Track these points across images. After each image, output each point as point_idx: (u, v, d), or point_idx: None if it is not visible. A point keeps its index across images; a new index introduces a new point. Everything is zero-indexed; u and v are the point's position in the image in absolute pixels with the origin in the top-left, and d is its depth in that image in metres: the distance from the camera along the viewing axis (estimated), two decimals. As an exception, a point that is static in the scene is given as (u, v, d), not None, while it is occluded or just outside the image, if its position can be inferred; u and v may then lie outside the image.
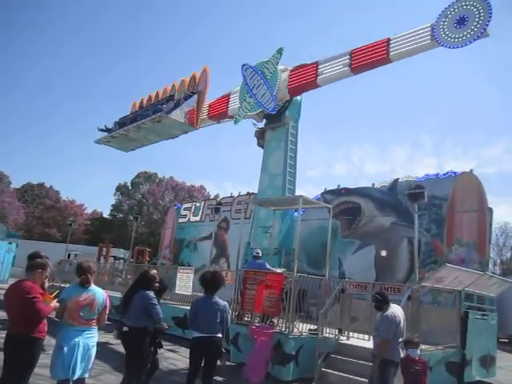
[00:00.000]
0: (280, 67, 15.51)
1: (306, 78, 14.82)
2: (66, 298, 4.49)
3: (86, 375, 4.53)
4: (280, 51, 15.85)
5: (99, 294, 4.65)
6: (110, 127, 21.10)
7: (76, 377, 4.37)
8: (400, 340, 5.77)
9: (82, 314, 4.45)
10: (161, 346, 5.90)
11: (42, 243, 37.99)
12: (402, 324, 5.85)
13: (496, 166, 67.61)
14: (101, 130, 21.24)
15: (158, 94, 19.85)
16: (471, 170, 12.60)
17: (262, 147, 17.24)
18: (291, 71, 15.36)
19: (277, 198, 12.73)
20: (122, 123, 20.42)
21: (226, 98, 18.03)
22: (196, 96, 18.26)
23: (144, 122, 18.45)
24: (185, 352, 8.80)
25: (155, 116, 17.78)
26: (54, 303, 4.45)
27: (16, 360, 4.19)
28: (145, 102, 20.43)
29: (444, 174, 12.98)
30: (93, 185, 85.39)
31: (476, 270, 9.67)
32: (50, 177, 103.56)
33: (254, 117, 16.46)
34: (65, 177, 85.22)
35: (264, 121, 16.47)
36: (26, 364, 4.24)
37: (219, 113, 18.16)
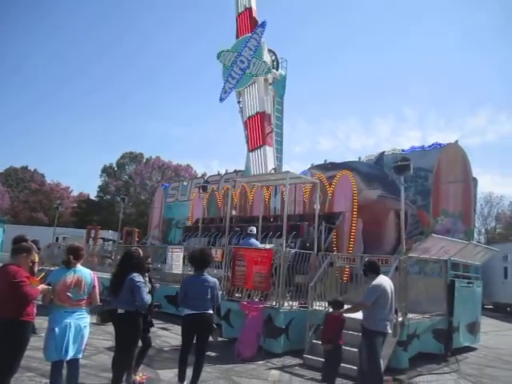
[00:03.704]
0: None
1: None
2: (53, 281, 4.47)
3: (80, 355, 4.55)
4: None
5: (86, 274, 4.64)
6: None
7: (69, 357, 4.38)
8: (388, 311, 5.63)
9: (70, 294, 4.44)
10: (152, 325, 5.92)
11: (29, 227, 37.57)
12: (388, 295, 5.66)
13: (479, 137, 68.46)
14: None
15: None
16: (456, 141, 12.69)
17: (248, 124, 17.17)
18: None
19: (264, 175, 12.73)
20: None
21: (256, 118, 16.90)
22: None
23: None
24: (177, 329, 8.83)
25: None
26: (42, 286, 4.43)
27: (6, 343, 4.19)
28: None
29: (429, 146, 13.03)
30: (77, 167, 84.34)
31: (461, 240, 9.84)
32: (32, 160, 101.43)
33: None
34: (47, 160, 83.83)
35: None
36: (17, 347, 4.25)
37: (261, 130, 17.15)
